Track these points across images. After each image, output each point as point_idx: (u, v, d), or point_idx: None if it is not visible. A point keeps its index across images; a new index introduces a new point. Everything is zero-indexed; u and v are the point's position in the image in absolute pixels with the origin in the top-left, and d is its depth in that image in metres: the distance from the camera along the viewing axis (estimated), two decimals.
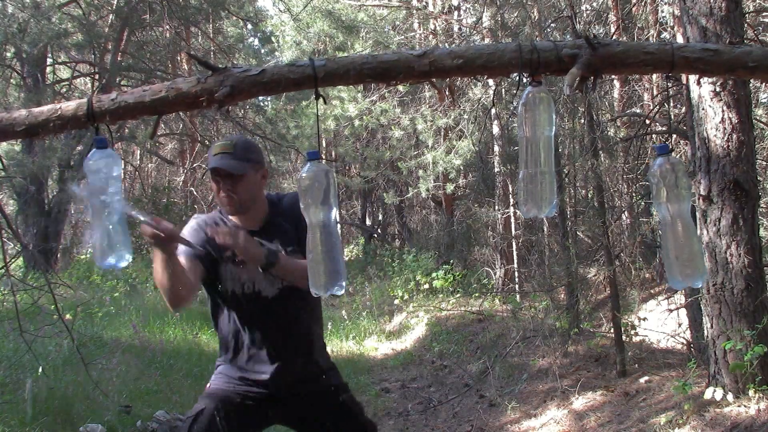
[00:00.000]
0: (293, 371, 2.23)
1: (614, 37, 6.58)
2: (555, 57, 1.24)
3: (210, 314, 2.37)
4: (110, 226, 1.34)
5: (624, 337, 5.33)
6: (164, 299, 2.09)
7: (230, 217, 2.26)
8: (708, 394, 3.75)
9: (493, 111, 9.41)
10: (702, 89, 3.81)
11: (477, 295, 9.37)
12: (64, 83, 11.92)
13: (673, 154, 1.43)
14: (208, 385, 2.33)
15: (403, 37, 11.87)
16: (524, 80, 1.32)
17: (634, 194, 7.59)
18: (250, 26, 15.19)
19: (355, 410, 2.32)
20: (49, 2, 9.01)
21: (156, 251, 1.96)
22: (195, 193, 18.00)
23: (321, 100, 1.27)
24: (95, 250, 1.37)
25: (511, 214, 9.96)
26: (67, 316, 5.45)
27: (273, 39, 14.45)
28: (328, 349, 2.46)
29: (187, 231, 2.22)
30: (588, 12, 9.19)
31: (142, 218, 1.85)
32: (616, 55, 1.24)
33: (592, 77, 1.25)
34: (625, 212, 7.59)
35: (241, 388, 2.24)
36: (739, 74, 1.30)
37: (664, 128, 6.66)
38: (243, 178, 2.14)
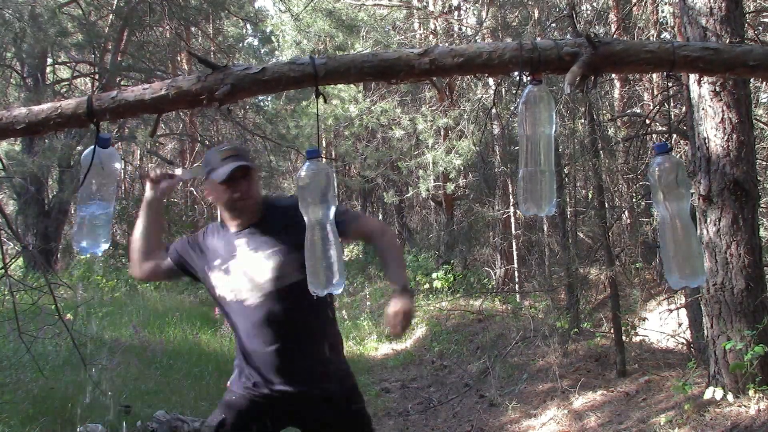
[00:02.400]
0: (302, 378, 2.17)
1: (614, 37, 6.58)
2: (556, 55, 1.24)
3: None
4: (98, 215, 1.40)
5: (624, 337, 5.33)
6: (131, 261, 2.29)
7: (229, 219, 2.25)
8: (708, 394, 3.74)
9: (493, 111, 9.40)
10: (702, 89, 3.81)
11: (477, 295, 9.37)
12: (64, 83, 11.91)
13: (672, 153, 1.43)
14: (228, 383, 2.31)
15: (403, 37, 11.87)
16: (524, 79, 1.31)
17: (634, 194, 7.59)
18: (250, 26, 15.20)
19: (365, 422, 2.27)
20: (47, 15, 8.95)
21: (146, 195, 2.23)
22: (195, 193, 18.02)
23: (321, 99, 1.27)
24: (77, 234, 1.43)
25: (511, 214, 9.96)
26: (68, 316, 5.45)
27: (273, 39, 14.46)
28: None
29: (190, 240, 2.35)
30: (588, 12, 9.19)
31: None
32: (616, 53, 1.24)
33: (592, 76, 1.25)
34: (626, 212, 7.59)
35: (255, 395, 2.19)
36: (739, 73, 1.30)
37: (664, 128, 6.66)
38: (254, 176, 2.22)
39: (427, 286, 10.14)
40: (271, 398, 2.18)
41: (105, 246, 1.46)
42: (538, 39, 1.41)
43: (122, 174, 17.14)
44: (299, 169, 1.44)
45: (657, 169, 1.40)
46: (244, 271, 2.16)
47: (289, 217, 2.11)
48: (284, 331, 2.15)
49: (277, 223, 2.21)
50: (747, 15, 4.90)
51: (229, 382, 2.30)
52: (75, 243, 1.45)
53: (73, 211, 12.85)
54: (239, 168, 2.14)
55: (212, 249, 2.23)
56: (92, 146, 1.31)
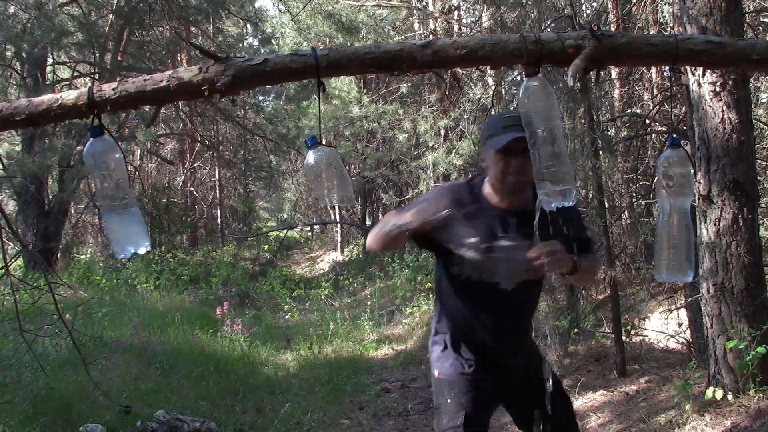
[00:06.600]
0: (510, 355, 2.28)
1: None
2: (559, 48, 1.23)
3: (435, 287, 2.40)
4: (125, 214, 1.36)
5: (624, 337, 5.32)
6: (370, 242, 2.17)
7: (494, 193, 2.12)
8: (708, 394, 3.74)
9: (493, 111, 9.40)
10: (702, 89, 3.80)
11: None
12: (64, 83, 11.91)
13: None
14: (436, 372, 2.29)
15: (403, 37, 11.89)
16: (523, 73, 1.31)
17: (634, 194, 7.59)
18: (250, 26, 15.21)
19: (566, 401, 2.39)
20: (52, 2, 8.95)
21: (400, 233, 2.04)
22: (195, 193, 18.01)
23: (323, 92, 1.26)
24: (113, 241, 1.40)
25: None
26: (67, 316, 5.43)
27: (273, 41, 14.48)
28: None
29: (435, 205, 2.06)
30: (588, 12, 9.19)
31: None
32: (620, 46, 1.23)
33: (595, 69, 1.25)
34: (626, 212, 7.58)
35: (473, 372, 2.24)
36: (742, 67, 1.29)
37: (664, 128, 6.66)
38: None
39: (427, 285, 10.13)
40: (494, 371, 2.29)
41: (147, 242, 1.40)
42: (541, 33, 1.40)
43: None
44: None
45: (666, 161, 1.39)
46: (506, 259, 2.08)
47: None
48: (522, 310, 2.31)
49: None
50: (747, 15, 4.90)
51: (440, 365, 2.29)
52: (120, 252, 1.38)
53: (73, 211, 12.84)
54: (518, 139, 1.84)
55: (471, 224, 2.06)
56: (87, 144, 1.30)
